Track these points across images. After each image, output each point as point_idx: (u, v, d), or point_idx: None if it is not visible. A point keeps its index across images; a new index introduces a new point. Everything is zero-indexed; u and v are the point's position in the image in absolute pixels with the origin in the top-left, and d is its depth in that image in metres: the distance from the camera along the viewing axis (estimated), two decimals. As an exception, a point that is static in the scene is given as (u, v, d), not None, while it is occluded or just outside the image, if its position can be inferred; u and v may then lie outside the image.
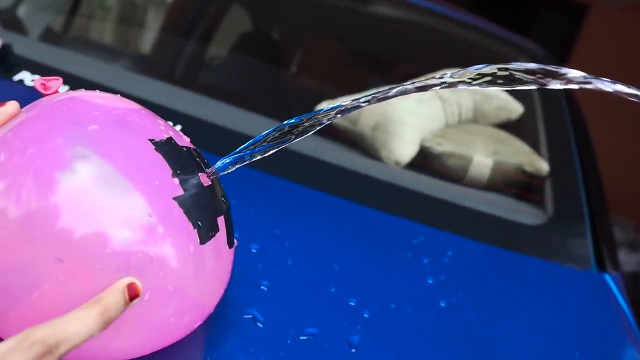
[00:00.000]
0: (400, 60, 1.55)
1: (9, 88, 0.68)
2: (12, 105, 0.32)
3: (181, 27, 1.64)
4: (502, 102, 0.91)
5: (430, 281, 0.53)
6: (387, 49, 1.51)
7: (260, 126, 0.77)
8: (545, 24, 4.32)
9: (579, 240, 0.73)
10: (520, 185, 0.84)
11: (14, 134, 0.31)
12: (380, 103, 0.85)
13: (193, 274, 0.32)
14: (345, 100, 0.34)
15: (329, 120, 0.33)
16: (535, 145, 0.91)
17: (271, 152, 0.34)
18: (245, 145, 0.35)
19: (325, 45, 1.72)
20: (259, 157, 0.34)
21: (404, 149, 0.79)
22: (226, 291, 0.41)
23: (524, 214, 0.74)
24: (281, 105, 1.08)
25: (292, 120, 0.34)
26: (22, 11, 1.26)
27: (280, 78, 1.43)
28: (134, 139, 0.32)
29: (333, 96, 1.25)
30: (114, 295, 0.28)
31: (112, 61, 1.20)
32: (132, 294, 0.29)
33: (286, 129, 0.34)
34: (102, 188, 0.29)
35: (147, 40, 1.77)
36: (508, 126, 0.94)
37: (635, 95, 0.29)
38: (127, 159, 0.31)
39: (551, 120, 0.99)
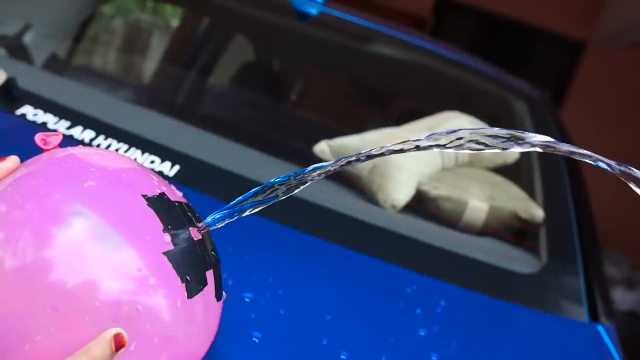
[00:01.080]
0: (398, 97, 1.58)
1: (10, 123, 0.69)
2: (12, 161, 0.33)
3: (184, 57, 1.67)
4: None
5: (422, 333, 0.53)
6: (386, 86, 1.54)
7: (257, 164, 0.78)
8: (541, 60, 4.39)
9: (572, 290, 0.73)
10: (514, 232, 0.85)
11: (13, 188, 0.32)
12: (377, 146, 0.86)
13: (179, 327, 0.33)
14: (329, 158, 0.35)
15: (312, 179, 0.35)
16: (530, 190, 0.92)
17: (259, 208, 0.36)
18: (236, 201, 0.36)
19: (326, 79, 1.74)
20: (247, 213, 0.36)
21: (401, 194, 0.79)
22: (217, 343, 0.41)
23: (518, 261, 0.74)
24: (281, 141, 1.10)
25: (279, 179, 0.35)
26: (28, 38, 1.28)
27: (281, 112, 1.44)
28: (127, 195, 0.33)
29: (333, 131, 1.26)
30: (101, 345, 0.29)
31: (116, 92, 1.21)
32: (118, 344, 0.30)
33: (276, 186, 0.35)
34: (95, 242, 0.31)
35: (151, 70, 1.80)
36: (503, 170, 0.95)
37: (588, 156, 0.31)
38: (120, 215, 0.32)
39: (546, 164, 1.01)
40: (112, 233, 0.31)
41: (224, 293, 0.37)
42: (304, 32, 1.38)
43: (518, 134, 0.32)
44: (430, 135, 0.33)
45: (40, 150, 0.36)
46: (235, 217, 0.36)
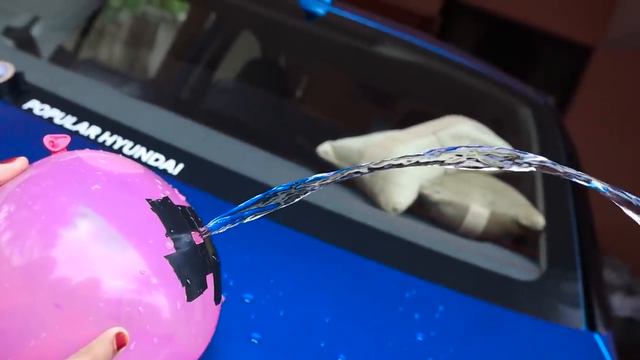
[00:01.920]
0: (403, 99, 1.58)
1: (17, 117, 0.69)
2: (20, 162, 0.34)
3: (191, 52, 1.67)
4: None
5: (420, 338, 0.53)
6: (391, 87, 1.54)
7: (261, 164, 0.79)
8: (549, 64, 4.38)
9: (570, 298, 0.73)
10: (515, 238, 0.85)
11: (22, 189, 0.33)
12: (380, 149, 0.86)
13: (178, 329, 0.34)
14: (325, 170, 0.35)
15: (313, 189, 0.35)
16: (531, 197, 0.92)
17: (260, 215, 0.36)
18: (238, 207, 0.37)
19: (331, 78, 1.75)
20: (248, 220, 0.36)
21: (402, 197, 0.80)
22: (217, 343, 0.42)
23: (518, 268, 0.74)
24: (285, 140, 1.10)
25: (281, 188, 0.36)
26: (36, 31, 1.28)
27: (286, 110, 1.45)
28: (132, 198, 0.34)
29: (336, 130, 1.26)
30: (104, 344, 0.30)
31: (122, 86, 1.22)
32: (120, 342, 0.31)
33: (278, 194, 0.36)
34: (100, 244, 0.32)
35: (157, 65, 1.80)
36: (505, 176, 0.95)
37: (583, 179, 0.32)
38: (125, 218, 0.33)
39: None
40: (116, 235, 0.32)
41: (222, 296, 0.38)
42: (310, 31, 1.38)
43: (516, 153, 0.32)
44: (431, 151, 0.33)
45: (45, 149, 0.37)
46: (237, 223, 0.36)
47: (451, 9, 4.37)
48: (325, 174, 0.35)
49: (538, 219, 0.84)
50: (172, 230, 0.34)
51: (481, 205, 0.85)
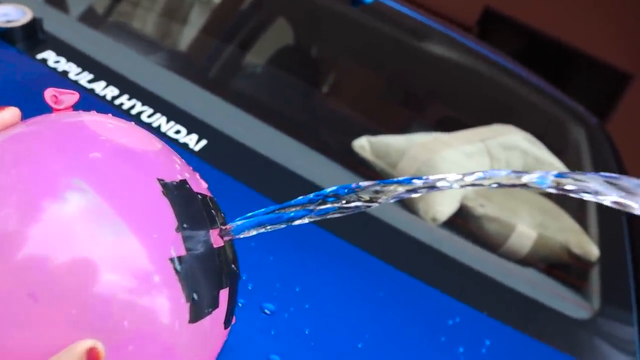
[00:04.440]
0: (444, 100, 1.49)
1: (28, 67, 0.62)
2: (10, 113, 0.26)
3: (223, 31, 1.60)
4: (555, 170, 0.83)
5: (463, 376, 0.45)
6: (426, 86, 1.45)
7: (290, 151, 0.71)
8: (583, 86, 4.25)
9: (626, 344, 0.64)
10: (564, 268, 0.76)
11: (4, 147, 0.25)
12: (425, 149, 0.77)
13: (170, 356, 0.25)
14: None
15: (368, 205, 0.26)
16: (583, 223, 0.83)
17: (297, 222, 0.28)
18: (272, 208, 0.28)
19: (364, 72, 1.66)
20: (283, 226, 0.28)
21: (443, 206, 0.71)
22: (228, 362, 0.34)
23: (568, 303, 0.65)
24: (318, 131, 1.02)
25: (332, 190, 0.27)
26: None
27: (315, 99, 1.37)
28: (139, 175, 0.26)
29: (367, 126, 1.17)
30: (72, 358, 0.23)
31: (147, 54, 1.14)
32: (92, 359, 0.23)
33: (320, 200, 0.27)
34: (90, 228, 0.24)
35: (186, 37, 1.73)
36: (557, 197, 0.85)
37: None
38: (126, 199, 0.25)
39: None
40: (112, 222, 0.24)
41: (233, 318, 0.30)
42: (349, 19, 1.30)
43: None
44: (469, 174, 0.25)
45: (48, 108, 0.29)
46: (269, 229, 0.28)
47: (489, 20, 4.27)
48: (391, 180, 0.26)
49: (591, 249, 0.74)
50: (184, 225, 0.26)
51: (529, 225, 0.76)
